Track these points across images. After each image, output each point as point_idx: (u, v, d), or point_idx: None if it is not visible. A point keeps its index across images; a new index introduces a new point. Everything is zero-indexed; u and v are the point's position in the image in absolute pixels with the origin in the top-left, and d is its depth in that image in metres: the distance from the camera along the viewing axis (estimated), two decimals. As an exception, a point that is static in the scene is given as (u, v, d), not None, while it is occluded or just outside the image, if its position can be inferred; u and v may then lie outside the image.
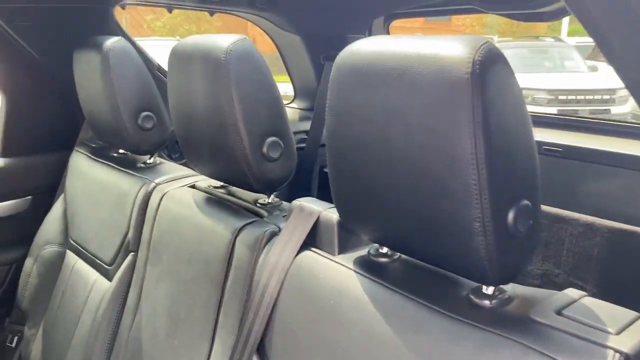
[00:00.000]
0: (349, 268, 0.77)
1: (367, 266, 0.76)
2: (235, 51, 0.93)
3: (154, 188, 1.22)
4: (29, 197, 1.66)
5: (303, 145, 2.09)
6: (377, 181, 0.65)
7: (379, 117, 0.62)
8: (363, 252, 0.80)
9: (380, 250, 0.78)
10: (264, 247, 0.91)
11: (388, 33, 2.19)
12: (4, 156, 1.64)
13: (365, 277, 0.74)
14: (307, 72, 2.19)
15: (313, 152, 2.12)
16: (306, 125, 2.15)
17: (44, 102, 1.67)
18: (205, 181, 1.20)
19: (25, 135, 1.66)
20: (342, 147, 0.69)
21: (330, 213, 0.84)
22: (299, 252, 0.83)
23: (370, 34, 2.12)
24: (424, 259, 0.70)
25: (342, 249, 0.81)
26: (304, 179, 2.10)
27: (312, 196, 2.18)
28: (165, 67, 1.86)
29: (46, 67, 1.60)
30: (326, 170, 2.26)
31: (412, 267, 0.75)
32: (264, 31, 2.17)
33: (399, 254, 0.77)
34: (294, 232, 0.86)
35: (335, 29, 2.07)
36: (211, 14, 1.98)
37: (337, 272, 0.77)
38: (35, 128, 1.67)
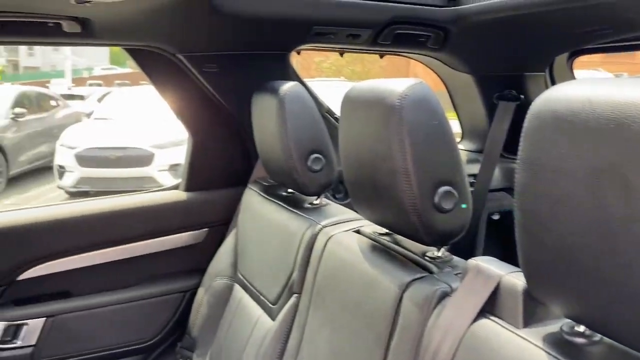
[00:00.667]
0: (537, 346, 0.66)
1: (559, 346, 0.65)
2: (411, 96, 0.89)
3: (320, 230, 1.21)
4: (205, 229, 1.78)
5: (470, 189, 1.96)
6: (582, 249, 0.55)
7: (588, 176, 0.52)
8: (553, 327, 0.69)
9: (576, 329, 0.66)
10: (435, 307, 0.83)
11: (572, 71, 1.99)
12: (186, 190, 1.78)
13: (558, 359, 0.63)
14: (477, 112, 2.07)
15: (481, 198, 1.99)
16: (474, 169, 2.03)
17: (224, 142, 1.79)
18: (370, 226, 1.16)
19: (206, 172, 1.79)
20: (536, 206, 0.60)
21: (513, 278, 0.73)
22: (475, 319, 0.74)
23: (551, 73, 1.95)
24: (634, 347, 0.57)
25: (528, 322, 0.70)
26: (470, 226, 1.97)
27: (478, 245, 2.03)
28: (331, 107, 1.89)
29: (227, 109, 1.71)
30: (494, 217, 2.09)
31: (618, 354, 0.62)
32: (433, 71, 2.11)
33: (600, 335, 0.65)
34: (469, 295, 0.77)
35: (511, 67, 1.94)
36: (381, 56, 1.98)
37: (523, 349, 0.67)
38: (214, 165, 1.79)
